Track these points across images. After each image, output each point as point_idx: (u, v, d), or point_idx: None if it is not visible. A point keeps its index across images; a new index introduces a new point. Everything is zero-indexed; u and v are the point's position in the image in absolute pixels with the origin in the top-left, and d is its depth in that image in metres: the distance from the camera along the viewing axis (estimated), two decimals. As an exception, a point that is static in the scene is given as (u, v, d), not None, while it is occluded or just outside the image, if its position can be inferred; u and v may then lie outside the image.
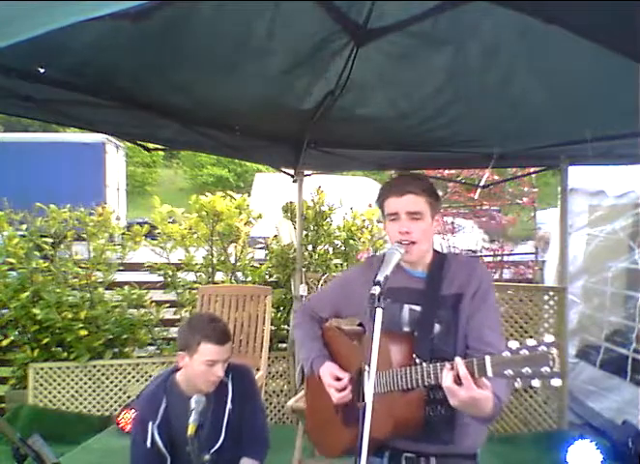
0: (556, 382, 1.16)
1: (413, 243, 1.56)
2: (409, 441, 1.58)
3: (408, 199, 1.57)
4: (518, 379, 1.19)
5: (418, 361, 1.47)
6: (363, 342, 1.65)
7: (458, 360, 1.31)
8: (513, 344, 1.22)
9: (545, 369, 1.16)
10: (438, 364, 1.35)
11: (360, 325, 1.81)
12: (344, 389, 1.64)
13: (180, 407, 1.90)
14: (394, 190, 1.60)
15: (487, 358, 1.25)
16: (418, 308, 1.59)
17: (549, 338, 1.18)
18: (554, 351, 1.16)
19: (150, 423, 1.95)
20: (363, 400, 1.59)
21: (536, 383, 1.17)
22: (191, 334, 1.93)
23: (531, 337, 1.23)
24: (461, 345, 1.55)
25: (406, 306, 1.61)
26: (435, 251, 1.68)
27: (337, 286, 1.91)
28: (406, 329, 1.60)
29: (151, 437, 1.94)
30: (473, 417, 1.40)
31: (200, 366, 1.91)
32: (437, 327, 1.56)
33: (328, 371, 1.69)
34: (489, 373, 1.24)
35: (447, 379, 1.31)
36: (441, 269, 1.62)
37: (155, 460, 1.95)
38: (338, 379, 1.66)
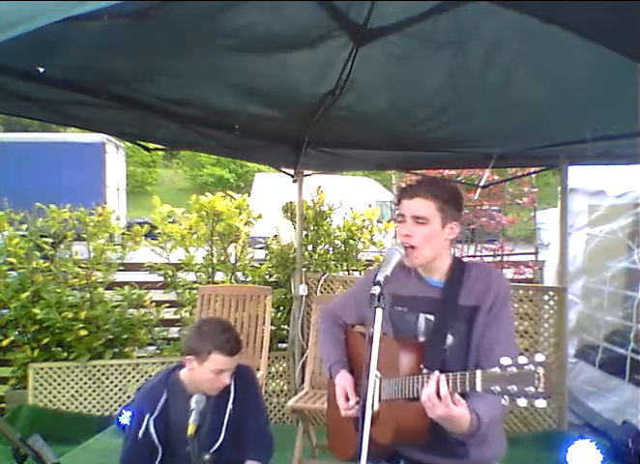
0: (540, 403, 1.15)
1: (412, 247, 1.54)
2: (424, 453, 1.57)
3: (415, 203, 1.56)
4: (505, 396, 1.19)
5: (425, 371, 1.46)
6: (381, 348, 1.65)
7: (441, 376, 1.32)
8: (505, 360, 1.21)
9: (530, 389, 1.15)
10: (437, 375, 1.35)
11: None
12: (351, 408, 1.65)
13: (180, 403, 1.90)
14: (407, 193, 1.60)
15: (478, 372, 1.25)
16: (432, 318, 1.58)
17: (539, 358, 1.18)
18: (541, 371, 1.16)
19: (147, 415, 1.96)
20: (373, 406, 1.60)
21: (522, 402, 1.17)
22: (202, 342, 1.91)
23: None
24: (473, 359, 1.53)
25: (422, 316, 1.59)
26: (455, 259, 1.65)
27: (355, 292, 1.88)
28: (422, 339, 1.59)
29: (145, 428, 1.94)
30: (450, 431, 1.40)
31: (208, 374, 1.91)
32: (450, 338, 1.54)
33: (341, 385, 1.70)
34: (478, 387, 1.24)
35: (424, 393, 1.33)
36: (460, 278, 1.59)
37: (145, 451, 1.95)
38: (348, 398, 1.66)
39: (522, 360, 1.19)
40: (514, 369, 1.19)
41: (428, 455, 1.56)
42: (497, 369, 1.21)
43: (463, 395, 1.34)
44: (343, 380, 1.71)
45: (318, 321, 2.03)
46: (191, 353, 1.93)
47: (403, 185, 1.70)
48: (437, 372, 1.34)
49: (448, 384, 1.31)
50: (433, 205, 1.55)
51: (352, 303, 1.85)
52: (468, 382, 1.27)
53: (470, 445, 1.52)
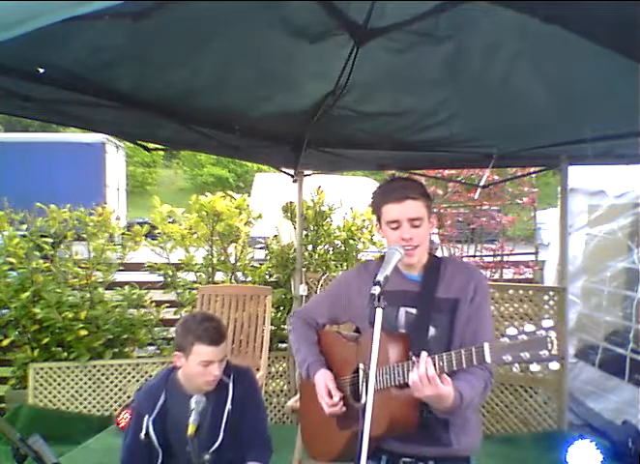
0: (554, 365, 1.18)
1: (416, 247, 1.57)
2: (408, 444, 1.58)
3: (408, 205, 1.56)
4: (517, 364, 1.22)
5: (414, 359, 1.47)
6: (361, 343, 1.65)
7: (428, 359, 1.36)
8: (511, 331, 1.24)
9: (544, 352, 1.18)
10: (430, 357, 1.39)
11: (356, 331, 1.80)
12: (335, 405, 1.64)
13: (179, 404, 1.90)
14: (393, 196, 1.58)
15: (486, 344, 1.28)
16: (413, 311, 1.60)
17: (547, 323, 1.21)
18: (552, 334, 1.19)
19: (146, 417, 1.96)
20: (359, 400, 1.60)
21: (534, 367, 1.20)
22: (185, 336, 1.93)
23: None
24: (456, 348, 1.54)
25: (402, 309, 1.62)
26: (429, 254, 1.68)
27: (333, 291, 1.88)
28: (402, 331, 1.61)
29: (145, 430, 1.94)
30: (435, 408, 1.47)
31: (196, 367, 1.91)
32: (432, 330, 1.57)
33: (323, 382, 1.68)
34: (487, 359, 1.27)
35: (413, 375, 1.36)
36: (437, 271, 1.63)
37: (145, 453, 1.96)
38: (331, 395, 1.65)
39: (529, 327, 1.22)
40: (524, 337, 1.21)
41: (412, 446, 1.58)
42: (505, 339, 1.24)
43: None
44: (325, 377, 1.70)
45: (289, 324, 2.02)
46: (178, 349, 1.95)
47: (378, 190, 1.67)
48: (425, 353, 1.38)
49: (450, 362, 1.36)
50: (422, 204, 1.59)
51: (327, 303, 1.85)
52: (476, 355, 1.30)
53: (452, 432, 1.56)
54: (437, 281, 1.61)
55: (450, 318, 1.57)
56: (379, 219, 1.64)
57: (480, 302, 1.60)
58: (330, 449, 1.72)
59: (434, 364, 1.37)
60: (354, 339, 1.74)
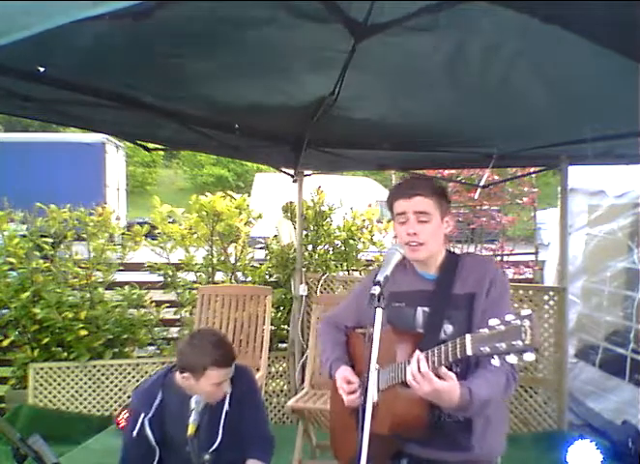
0: (528, 357, 1.13)
1: (421, 244, 1.57)
2: (426, 448, 1.57)
3: (417, 201, 1.58)
4: (495, 356, 1.19)
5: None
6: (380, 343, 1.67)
7: (421, 355, 1.36)
8: (494, 321, 1.22)
9: (517, 343, 1.14)
10: (424, 353, 1.38)
11: None
12: (354, 392, 1.64)
13: (176, 404, 1.90)
14: (403, 192, 1.61)
15: (468, 336, 1.27)
16: (428, 310, 1.61)
17: (525, 312, 1.17)
18: (527, 323, 1.14)
19: (142, 415, 1.96)
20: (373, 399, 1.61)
21: (511, 359, 1.16)
22: (197, 359, 1.90)
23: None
24: None
25: (419, 309, 1.62)
26: (448, 252, 1.68)
27: (356, 295, 1.90)
28: (420, 331, 1.61)
29: (140, 428, 1.95)
30: (444, 407, 1.43)
31: (208, 388, 1.91)
32: (449, 327, 1.56)
33: (341, 375, 1.71)
34: (469, 351, 1.25)
35: (408, 374, 1.36)
36: (454, 269, 1.63)
37: (141, 451, 1.96)
38: (350, 382, 1.66)
39: (509, 317, 1.19)
40: (502, 327, 1.19)
41: (432, 450, 1.57)
42: (486, 330, 1.22)
43: (463, 377, 1.38)
44: (344, 371, 1.72)
45: (318, 328, 2.03)
46: (186, 369, 1.92)
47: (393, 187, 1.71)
48: (418, 352, 1.37)
49: (440, 356, 1.34)
50: (432, 201, 1.59)
51: (353, 306, 1.87)
52: (459, 347, 1.29)
53: (473, 436, 1.54)
54: (453, 278, 1.61)
55: (468, 313, 1.56)
56: (393, 218, 1.66)
57: (497, 295, 1.57)
58: (349, 452, 1.69)
59: (427, 360, 1.36)
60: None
